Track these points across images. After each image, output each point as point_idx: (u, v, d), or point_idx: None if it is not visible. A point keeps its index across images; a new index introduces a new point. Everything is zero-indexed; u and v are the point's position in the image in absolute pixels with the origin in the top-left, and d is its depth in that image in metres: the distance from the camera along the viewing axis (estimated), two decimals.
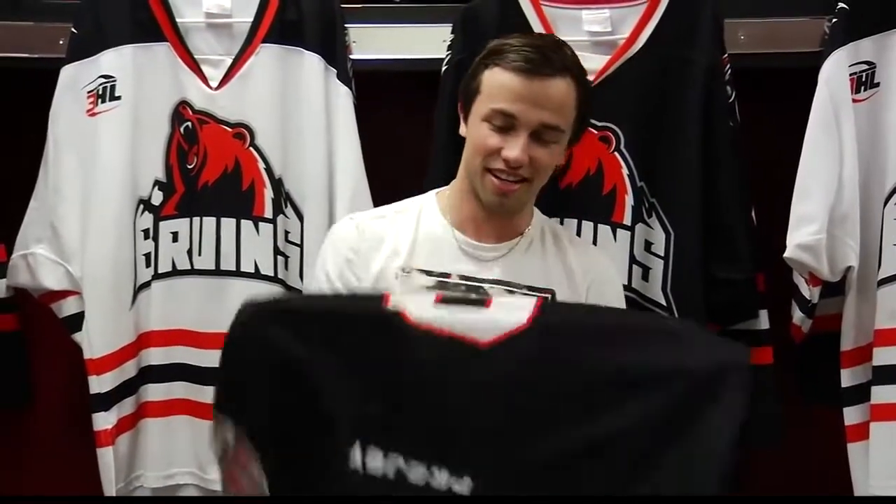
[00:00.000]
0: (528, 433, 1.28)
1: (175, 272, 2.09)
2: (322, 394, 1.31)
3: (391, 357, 1.31)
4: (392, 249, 1.69)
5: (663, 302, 2.02)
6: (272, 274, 2.07)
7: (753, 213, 2.08)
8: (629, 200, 2.04)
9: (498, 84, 1.62)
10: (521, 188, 1.64)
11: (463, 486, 1.27)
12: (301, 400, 1.31)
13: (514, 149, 1.60)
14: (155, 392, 2.10)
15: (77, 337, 2.07)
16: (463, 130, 1.71)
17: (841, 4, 2.01)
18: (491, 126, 1.62)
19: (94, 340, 2.04)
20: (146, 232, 2.09)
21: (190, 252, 2.09)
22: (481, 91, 1.64)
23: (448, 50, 2.04)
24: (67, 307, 2.08)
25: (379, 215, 1.77)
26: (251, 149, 2.08)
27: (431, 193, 1.78)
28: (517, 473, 1.27)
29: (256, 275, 2.07)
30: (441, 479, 1.27)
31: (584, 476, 1.26)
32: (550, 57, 1.61)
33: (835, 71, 2.00)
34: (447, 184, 1.79)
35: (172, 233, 2.09)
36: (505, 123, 1.60)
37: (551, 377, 1.29)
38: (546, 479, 1.27)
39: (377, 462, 1.28)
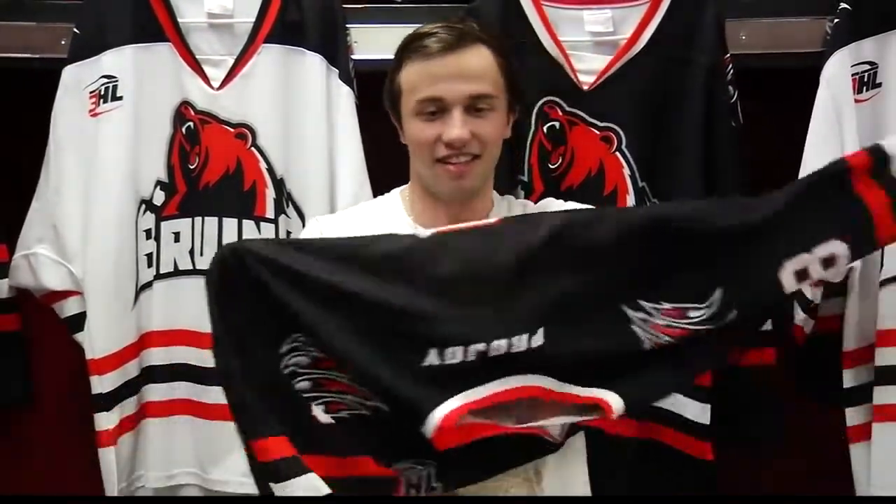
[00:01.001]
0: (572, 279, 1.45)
1: (177, 272, 2.09)
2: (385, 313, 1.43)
3: (435, 262, 1.46)
4: None
5: None
6: None
7: None
8: (631, 201, 2.04)
9: (415, 75, 1.59)
10: (474, 166, 1.61)
11: (538, 338, 1.42)
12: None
13: (452, 129, 1.57)
14: (156, 392, 2.10)
15: (79, 337, 2.07)
16: (402, 138, 1.68)
17: (843, 5, 2.01)
18: (423, 118, 1.59)
19: (96, 341, 2.05)
20: (148, 232, 2.09)
21: (192, 252, 2.09)
22: (402, 90, 1.62)
23: None
24: (69, 307, 2.08)
25: (344, 217, 1.76)
26: (253, 149, 2.08)
27: (395, 192, 1.76)
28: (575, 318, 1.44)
29: None
30: (521, 343, 1.42)
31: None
32: (458, 31, 1.59)
33: (837, 71, 2.00)
34: None
35: (174, 233, 2.09)
36: (435, 108, 1.58)
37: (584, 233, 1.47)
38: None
39: (457, 357, 1.42)
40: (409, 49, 1.61)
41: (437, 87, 1.57)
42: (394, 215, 1.70)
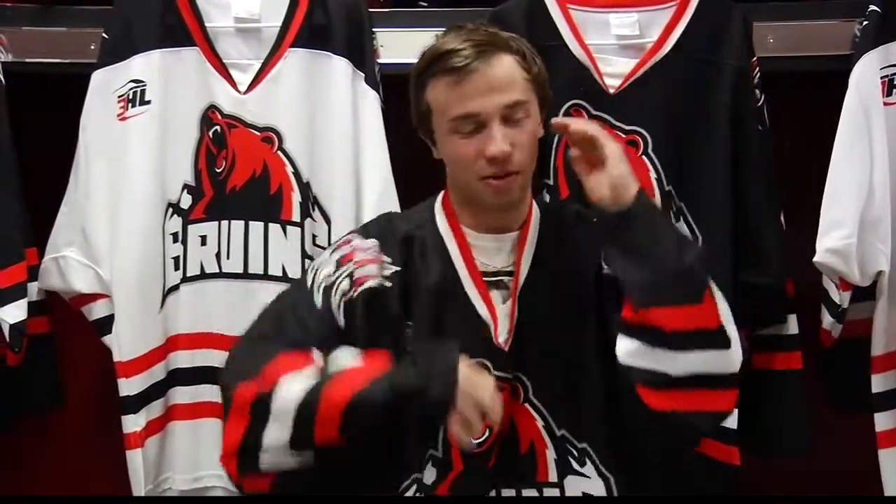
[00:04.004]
0: None
1: (203, 276, 2.10)
2: None
3: None
4: None
5: None
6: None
7: (783, 217, 2.07)
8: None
9: (444, 94, 1.55)
10: (517, 179, 1.57)
11: None
12: None
13: (494, 144, 1.52)
14: (183, 395, 2.11)
15: (107, 340, 2.09)
16: (436, 153, 1.64)
17: (872, 7, 2.00)
18: (460, 136, 1.55)
19: (124, 343, 2.06)
20: (175, 235, 2.10)
21: (218, 255, 2.09)
22: (432, 109, 1.58)
23: None
24: (97, 310, 2.10)
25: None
26: (279, 153, 2.09)
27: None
28: None
29: (284, 278, 2.06)
30: None
31: None
32: (478, 43, 1.55)
33: (865, 74, 1.99)
34: None
35: (201, 236, 2.10)
36: (472, 125, 1.54)
37: None
38: None
39: None
40: (432, 70, 1.57)
41: (470, 104, 1.53)
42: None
